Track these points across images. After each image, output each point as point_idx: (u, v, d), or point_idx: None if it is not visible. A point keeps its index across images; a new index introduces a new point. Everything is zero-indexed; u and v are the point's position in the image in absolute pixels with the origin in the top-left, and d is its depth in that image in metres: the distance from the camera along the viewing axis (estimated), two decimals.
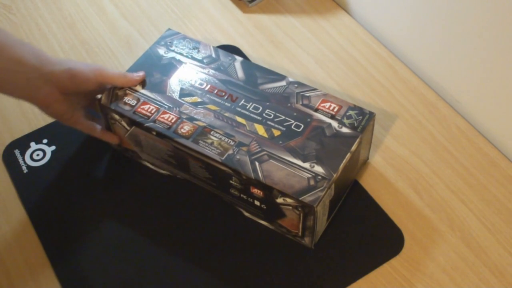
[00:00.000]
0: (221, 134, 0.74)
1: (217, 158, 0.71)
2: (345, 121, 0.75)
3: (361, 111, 0.76)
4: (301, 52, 0.99)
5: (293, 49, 1.00)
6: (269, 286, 0.73)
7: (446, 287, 0.73)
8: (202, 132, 0.74)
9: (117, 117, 0.78)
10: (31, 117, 0.92)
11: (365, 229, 0.77)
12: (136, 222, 0.79)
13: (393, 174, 0.83)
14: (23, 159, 0.86)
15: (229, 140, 0.73)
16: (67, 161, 0.85)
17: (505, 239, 0.76)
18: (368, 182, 0.82)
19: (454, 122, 0.88)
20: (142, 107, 0.77)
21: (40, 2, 1.10)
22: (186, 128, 0.74)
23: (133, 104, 0.77)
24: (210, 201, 0.80)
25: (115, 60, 0.99)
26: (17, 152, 0.87)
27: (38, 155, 0.86)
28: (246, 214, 0.78)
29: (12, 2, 1.10)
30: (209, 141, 0.73)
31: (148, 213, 0.80)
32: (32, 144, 0.87)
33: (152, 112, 0.76)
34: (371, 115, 0.76)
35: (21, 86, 0.72)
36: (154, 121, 0.75)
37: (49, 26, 1.05)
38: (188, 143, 0.73)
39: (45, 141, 0.88)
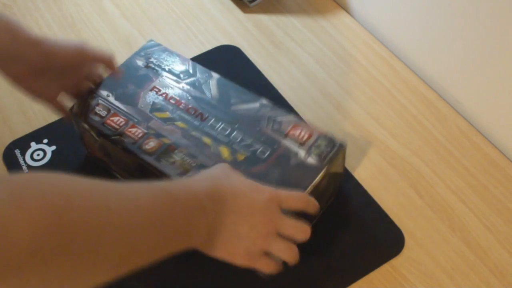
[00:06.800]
0: (184, 154, 0.72)
1: (177, 178, 0.70)
2: (313, 150, 0.71)
3: (331, 141, 0.72)
4: (302, 52, 0.99)
5: (293, 49, 1.00)
6: (269, 286, 0.73)
7: (446, 287, 0.73)
8: (166, 150, 0.72)
9: (87, 127, 0.77)
10: (31, 117, 0.92)
11: (365, 229, 0.77)
12: None
13: (393, 174, 0.83)
14: (24, 159, 0.86)
15: (191, 161, 0.71)
16: (67, 161, 0.85)
17: (505, 239, 0.76)
18: (368, 182, 0.82)
19: (454, 122, 0.88)
20: (111, 118, 0.75)
21: (40, 2, 1.10)
22: (151, 144, 0.73)
23: (103, 115, 0.76)
24: None
25: None
26: (17, 152, 0.87)
27: (38, 155, 0.86)
28: None
29: (13, 2, 1.10)
30: (172, 160, 0.71)
31: None
32: (33, 144, 0.87)
33: (121, 124, 0.75)
34: (341, 146, 0.72)
35: None
36: (121, 135, 0.74)
37: (49, 26, 1.05)
38: (151, 160, 0.72)
39: (45, 141, 0.88)
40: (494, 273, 0.74)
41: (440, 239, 0.77)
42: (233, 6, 1.07)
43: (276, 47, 1.00)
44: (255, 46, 1.00)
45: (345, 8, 1.06)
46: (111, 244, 0.48)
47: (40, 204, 0.43)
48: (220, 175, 0.62)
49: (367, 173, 0.83)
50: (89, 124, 0.76)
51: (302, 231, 0.62)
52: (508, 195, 0.80)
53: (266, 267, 0.62)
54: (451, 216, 0.79)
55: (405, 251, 0.75)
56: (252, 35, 1.02)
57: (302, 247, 0.76)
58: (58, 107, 0.78)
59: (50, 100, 0.77)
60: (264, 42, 1.01)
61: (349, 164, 0.84)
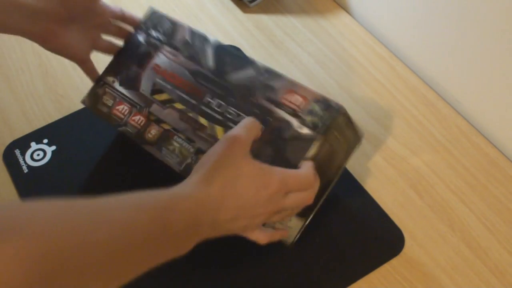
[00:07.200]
0: (183, 139, 0.71)
1: (176, 167, 0.70)
2: (307, 118, 0.64)
3: (327, 104, 0.64)
4: (302, 52, 0.99)
5: (293, 49, 1.00)
6: (269, 286, 0.73)
7: (446, 287, 0.73)
8: (166, 137, 0.72)
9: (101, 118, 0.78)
10: (31, 117, 0.92)
11: (365, 229, 0.77)
12: None
13: (393, 174, 0.83)
14: (24, 159, 0.86)
15: (189, 146, 0.70)
16: (67, 161, 0.85)
17: (505, 239, 0.76)
18: (368, 182, 0.82)
19: (454, 122, 0.88)
20: (117, 107, 0.76)
21: None
22: (153, 132, 0.73)
23: (110, 105, 0.76)
24: None
25: None
26: (17, 152, 0.87)
27: (38, 155, 0.86)
28: None
29: None
30: (171, 147, 0.71)
31: None
32: (33, 144, 0.87)
33: (125, 113, 0.75)
34: (338, 110, 0.63)
35: (19, 25, 0.72)
36: (126, 124, 0.74)
37: None
38: (153, 150, 0.72)
39: (45, 141, 0.88)
40: (494, 273, 0.74)
41: (440, 239, 0.77)
42: (233, 6, 1.07)
43: (276, 47, 1.00)
44: (255, 46, 1.00)
45: (345, 8, 1.06)
46: (95, 275, 0.47)
47: (14, 252, 0.40)
48: (228, 172, 0.58)
49: (367, 173, 0.83)
50: (100, 116, 0.77)
51: (298, 207, 0.63)
52: (508, 195, 0.80)
53: (259, 238, 0.63)
54: (451, 216, 0.79)
55: (405, 251, 0.75)
56: (252, 35, 1.02)
57: (303, 247, 0.76)
58: (91, 70, 0.79)
59: (84, 60, 0.78)
60: (264, 42, 1.01)
61: (349, 164, 0.84)
